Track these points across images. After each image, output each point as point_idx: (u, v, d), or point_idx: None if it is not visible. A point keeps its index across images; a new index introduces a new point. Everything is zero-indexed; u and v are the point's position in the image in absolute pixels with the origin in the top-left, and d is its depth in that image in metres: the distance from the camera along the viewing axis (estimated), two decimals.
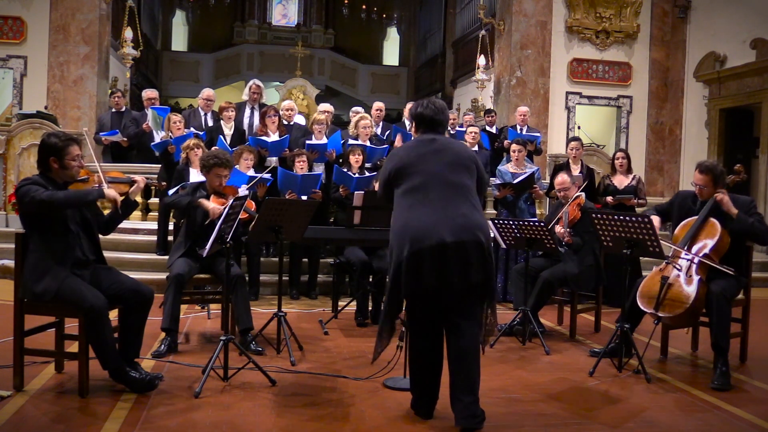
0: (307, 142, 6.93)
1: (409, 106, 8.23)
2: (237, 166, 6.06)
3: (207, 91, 8.05)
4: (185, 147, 6.03)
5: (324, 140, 7.11)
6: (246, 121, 7.67)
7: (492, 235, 4.88)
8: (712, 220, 4.31)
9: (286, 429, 3.19)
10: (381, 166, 6.68)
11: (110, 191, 3.60)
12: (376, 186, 5.70)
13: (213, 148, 6.07)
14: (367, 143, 7.06)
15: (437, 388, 3.35)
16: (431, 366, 3.32)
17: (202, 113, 7.88)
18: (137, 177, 3.90)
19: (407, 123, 7.72)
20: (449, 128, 8.75)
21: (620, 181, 6.77)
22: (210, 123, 7.75)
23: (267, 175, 6.20)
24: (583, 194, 5.38)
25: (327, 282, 6.56)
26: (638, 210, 6.50)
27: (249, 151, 6.24)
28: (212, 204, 4.51)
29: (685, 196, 4.63)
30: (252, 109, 7.76)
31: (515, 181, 6.59)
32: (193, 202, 4.56)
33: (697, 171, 4.37)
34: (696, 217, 4.39)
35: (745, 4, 9.81)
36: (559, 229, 5.17)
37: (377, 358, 3.47)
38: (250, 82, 7.94)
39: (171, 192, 6.19)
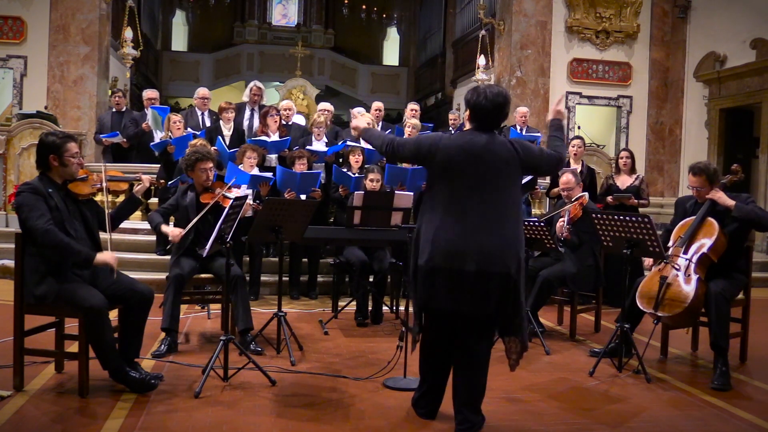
0: (308, 147, 6.92)
1: (411, 106, 8.23)
2: (240, 165, 6.06)
3: (202, 90, 8.07)
4: (192, 144, 6.00)
5: (324, 145, 7.11)
6: (246, 122, 7.67)
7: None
8: (710, 219, 4.32)
9: (286, 429, 3.19)
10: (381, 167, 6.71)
11: (101, 257, 3.53)
12: (367, 183, 5.72)
13: (212, 149, 6.08)
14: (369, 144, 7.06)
15: (443, 388, 3.34)
16: (440, 365, 3.30)
17: (199, 113, 7.89)
18: (143, 177, 3.92)
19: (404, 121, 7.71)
20: (449, 129, 8.76)
21: (623, 181, 6.74)
22: (207, 122, 7.76)
23: (269, 174, 6.20)
24: (586, 194, 5.38)
25: (327, 282, 6.56)
26: (641, 210, 6.49)
27: (252, 150, 6.23)
28: (170, 230, 4.45)
29: (683, 201, 4.66)
30: (252, 110, 7.76)
31: (522, 182, 6.56)
32: (158, 227, 4.52)
33: (691, 174, 4.38)
34: (694, 217, 4.40)
35: (745, 4, 9.81)
36: (559, 225, 5.17)
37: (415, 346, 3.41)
38: (251, 84, 7.94)
39: (170, 183, 6.20)
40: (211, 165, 4.66)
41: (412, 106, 8.20)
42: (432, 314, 3.26)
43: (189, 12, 19.61)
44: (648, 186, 7.07)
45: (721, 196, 4.29)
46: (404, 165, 6.57)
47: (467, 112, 3.20)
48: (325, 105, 8.05)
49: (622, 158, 6.86)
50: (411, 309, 3.38)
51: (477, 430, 3.14)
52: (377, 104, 8.19)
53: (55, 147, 3.53)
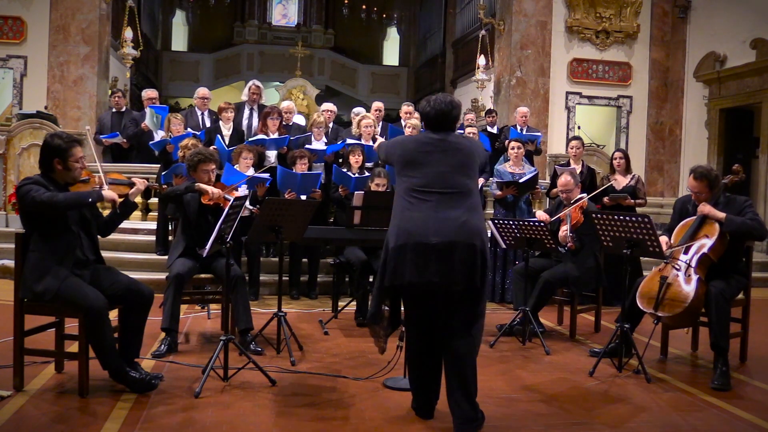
0: (307, 146, 6.92)
1: (404, 107, 8.23)
2: (236, 166, 6.07)
3: (202, 90, 8.08)
4: (183, 146, 6.04)
5: (323, 145, 7.12)
6: (245, 122, 7.67)
7: (490, 235, 4.85)
8: (711, 220, 4.31)
9: (286, 429, 3.19)
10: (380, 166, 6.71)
11: (108, 193, 3.61)
12: (373, 186, 5.74)
13: (211, 148, 6.08)
14: (371, 143, 7.07)
15: (437, 387, 3.35)
16: (428, 365, 3.32)
17: (199, 112, 7.90)
18: (137, 179, 3.90)
19: (403, 122, 7.71)
20: None
21: (619, 182, 6.77)
22: (207, 122, 7.76)
23: (265, 175, 6.20)
24: (585, 196, 5.37)
25: (327, 282, 6.55)
26: (638, 210, 6.49)
27: (248, 150, 6.24)
28: (210, 187, 4.51)
29: (684, 201, 4.64)
30: (251, 109, 7.76)
31: (521, 180, 6.57)
32: (191, 187, 4.55)
33: (692, 177, 4.37)
34: (694, 217, 4.39)
35: (745, 4, 9.81)
36: (562, 233, 5.16)
37: (383, 347, 3.47)
38: (250, 83, 7.94)
39: (163, 178, 6.22)
40: (213, 166, 4.67)
41: (406, 108, 8.17)
42: (406, 298, 3.32)
43: (189, 12, 19.61)
44: (645, 185, 7.08)
45: (710, 211, 4.27)
46: None
47: (423, 121, 3.44)
48: (328, 105, 8.06)
49: (615, 159, 6.87)
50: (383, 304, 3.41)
51: (477, 427, 3.14)
52: (377, 104, 8.19)
53: (60, 151, 3.52)
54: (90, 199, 3.54)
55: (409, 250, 3.13)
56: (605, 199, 6.65)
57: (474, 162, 3.29)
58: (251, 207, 5.54)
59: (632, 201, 6.65)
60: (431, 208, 3.15)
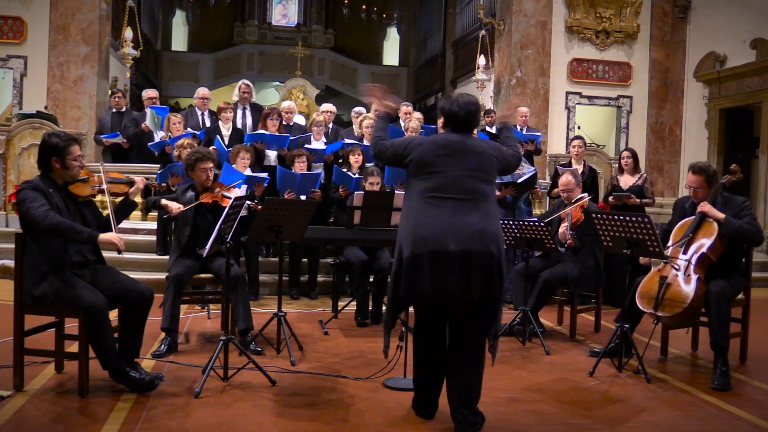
0: (306, 146, 6.92)
1: (403, 107, 8.20)
2: (234, 166, 6.07)
3: (202, 90, 8.09)
4: (179, 145, 6.05)
5: (322, 144, 7.12)
6: (239, 121, 7.66)
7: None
8: (709, 219, 4.31)
9: (286, 429, 3.19)
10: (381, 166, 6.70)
11: (107, 236, 3.49)
12: (367, 185, 5.71)
13: (210, 148, 6.10)
14: None
15: (439, 388, 3.34)
16: (433, 366, 3.31)
17: (199, 112, 7.91)
18: (137, 178, 3.90)
19: (402, 123, 7.70)
20: None
21: (626, 181, 6.73)
22: (207, 122, 7.77)
23: (263, 174, 6.21)
24: (586, 196, 5.37)
25: (327, 282, 6.55)
26: (646, 210, 6.46)
27: (245, 150, 6.24)
28: (172, 203, 4.52)
29: (682, 202, 4.65)
30: (244, 108, 7.77)
31: (519, 180, 6.56)
32: (156, 203, 4.59)
33: (690, 172, 4.38)
34: (693, 217, 4.39)
35: (745, 4, 9.81)
36: (562, 230, 5.16)
37: (387, 351, 3.43)
38: (239, 83, 7.96)
39: (158, 177, 6.27)
40: (211, 165, 4.68)
41: (405, 108, 8.15)
42: (419, 306, 3.27)
43: (189, 12, 19.61)
44: (652, 185, 7.04)
45: (710, 210, 4.27)
46: None
47: (441, 119, 3.32)
48: (328, 106, 8.09)
49: (623, 158, 6.85)
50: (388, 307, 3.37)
51: (477, 429, 3.14)
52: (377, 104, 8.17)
53: (58, 149, 3.53)
54: (80, 237, 3.45)
55: (425, 260, 3.03)
56: (610, 198, 6.64)
57: (491, 165, 3.20)
58: (250, 202, 5.54)
59: (637, 200, 6.60)
60: (447, 213, 3.06)
